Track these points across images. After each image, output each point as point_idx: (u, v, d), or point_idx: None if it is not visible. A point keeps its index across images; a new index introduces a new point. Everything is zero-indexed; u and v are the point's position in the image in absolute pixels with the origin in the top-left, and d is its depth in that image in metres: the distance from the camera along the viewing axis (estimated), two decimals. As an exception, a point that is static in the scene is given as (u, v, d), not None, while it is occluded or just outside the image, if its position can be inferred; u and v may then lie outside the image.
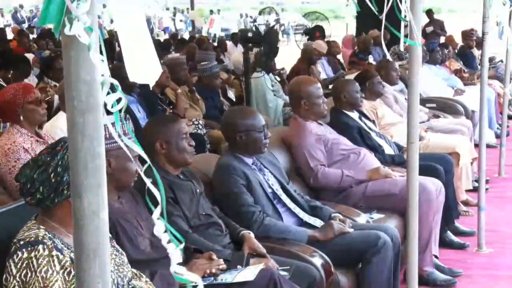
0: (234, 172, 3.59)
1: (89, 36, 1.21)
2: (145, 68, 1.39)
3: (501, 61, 10.56)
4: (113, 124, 1.33)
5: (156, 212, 1.40)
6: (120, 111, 1.29)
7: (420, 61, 3.26)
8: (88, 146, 1.27)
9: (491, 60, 10.12)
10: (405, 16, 3.05)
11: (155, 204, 1.39)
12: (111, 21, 1.27)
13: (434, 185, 4.49)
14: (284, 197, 3.78)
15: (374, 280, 3.56)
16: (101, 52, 1.25)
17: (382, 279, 3.58)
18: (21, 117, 3.79)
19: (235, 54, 11.88)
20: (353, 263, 3.60)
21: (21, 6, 30.11)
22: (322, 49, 10.26)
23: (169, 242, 1.44)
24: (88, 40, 1.21)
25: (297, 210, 3.77)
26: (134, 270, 2.54)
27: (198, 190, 3.37)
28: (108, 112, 1.30)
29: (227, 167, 3.62)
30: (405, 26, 3.25)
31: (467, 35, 10.62)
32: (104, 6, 1.35)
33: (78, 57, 1.24)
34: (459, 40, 11.06)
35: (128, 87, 5.36)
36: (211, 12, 33.17)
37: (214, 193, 3.61)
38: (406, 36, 3.25)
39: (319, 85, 4.65)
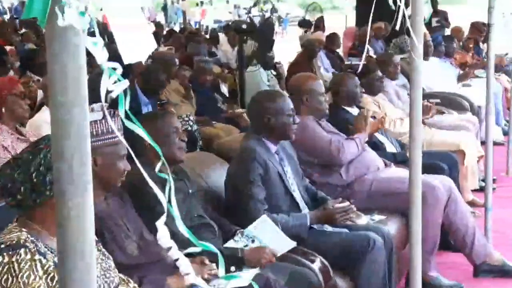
0: (256, 158, 3.64)
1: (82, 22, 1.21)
2: (137, 45, 1.40)
3: (507, 54, 10.56)
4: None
5: (161, 220, 1.40)
6: (125, 95, 1.29)
7: (422, 54, 3.23)
8: (73, 144, 1.26)
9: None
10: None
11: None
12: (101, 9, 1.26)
13: (444, 184, 4.46)
14: (296, 193, 3.85)
15: (369, 281, 3.59)
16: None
17: (377, 279, 3.61)
18: (3, 110, 3.79)
19: (224, 45, 11.87)
20: (350, 266, 3.61)
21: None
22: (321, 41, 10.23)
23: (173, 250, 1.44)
24: (82, 25, 1.20)
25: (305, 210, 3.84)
26: (122, 276, 2.53)
27: (190, 191, 3.37)
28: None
29: (251, 151, 3.68)
30: (408, 17, 3.24)
31: (478, 29, 10.40)
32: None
33: (62, 50, 1.23)
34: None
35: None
36: (202, 3, 33.04)
37: (229, 174, 3.75)
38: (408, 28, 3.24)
39: (321, 82, 4.65)
